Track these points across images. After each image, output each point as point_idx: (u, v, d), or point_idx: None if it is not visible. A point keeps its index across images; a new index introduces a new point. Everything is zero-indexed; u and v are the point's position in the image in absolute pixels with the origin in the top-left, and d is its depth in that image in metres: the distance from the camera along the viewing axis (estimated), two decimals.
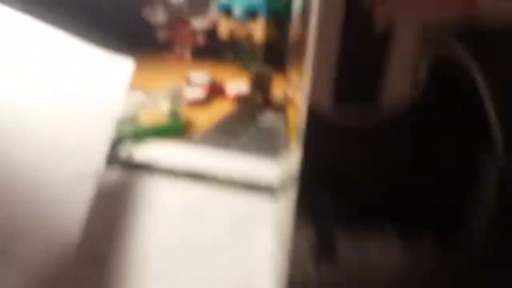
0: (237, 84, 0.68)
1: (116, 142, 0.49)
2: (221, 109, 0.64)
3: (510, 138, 0.19)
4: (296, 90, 0.23)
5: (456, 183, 0.20)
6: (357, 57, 0.17)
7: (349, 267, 0.22)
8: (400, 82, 0.17)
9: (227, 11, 0.74)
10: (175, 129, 0.55)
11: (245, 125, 0.40)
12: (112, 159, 0.46)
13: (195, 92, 0.65)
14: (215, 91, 0.68)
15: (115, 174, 0.44)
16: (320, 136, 0.19)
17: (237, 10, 0.71)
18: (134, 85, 0.61)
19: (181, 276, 0.31)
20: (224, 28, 0.77)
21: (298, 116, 0.20)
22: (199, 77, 0.70)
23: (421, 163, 0.19)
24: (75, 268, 0.31)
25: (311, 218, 0.21)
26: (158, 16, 0.86)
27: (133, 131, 0.51)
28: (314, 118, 0.18)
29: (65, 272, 0.30)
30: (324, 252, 0.22)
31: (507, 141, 0.18)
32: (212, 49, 0.83)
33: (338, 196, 0.21)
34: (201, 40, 0.84)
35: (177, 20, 0.85)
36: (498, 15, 0.16)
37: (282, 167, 0.31)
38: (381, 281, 0.23)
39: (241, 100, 0.65)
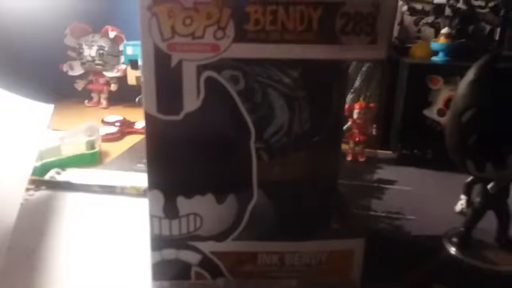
0: None
1: (42, 170, 0.61)
2: (132, 142, 0.78)
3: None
4: None
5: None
6: (164, 84, 0.33)
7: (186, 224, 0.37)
8: (190, 96, 0.33)
9: (134, 62, 0.89)
10: (92, 158, 0.69)
11: None
12: (40, 182, 0.58)
13: (109, 129, 0.79)
14: (126, 128, 0.82)
15: (42, 193, 0.57)
16: (156, 134, 0.34)
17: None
18: (57, 127, 0.74)
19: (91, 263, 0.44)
20: (132, 77, 0.92)
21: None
22: (113, 118, 0.84)
23: (215, 148, 0.35)
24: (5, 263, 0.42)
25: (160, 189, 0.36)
26: (76, 69, 1.00)
27: (57, 161, 0.64)
28: (149, 122, 0.33)
29: None
30: (169, 212, 0.36)
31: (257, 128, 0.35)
32: (123, 95, 0.98)
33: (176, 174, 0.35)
34: (114, 88, 0.99)
35: (93, 72, 0.99)
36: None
37: None
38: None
39: None
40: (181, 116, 0.34)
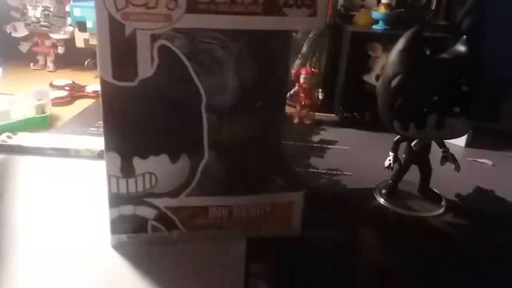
0: (96, 86, 0.83)
1: None
2: (83, 106, 0.79)
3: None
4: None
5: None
6: (119, 52, 0.35)
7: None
8: (145, 63, 0.36)
9: (82, 25, 0.88)
10: (43, 122, 0.69)
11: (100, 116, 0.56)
12: None
13: (59, 93, 0.79)
14: (76, 92, 0.82)
15: None
16: (111, 100, 0.36)
17: (90, 24, 0.86)
18: (3, 91, 0.73)
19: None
20: (80, 39, 0.91)
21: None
22: (62, 81, 0.84)
23: (168, 112, 0.38)
24: None
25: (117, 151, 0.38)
26: (20, 31, 0.96)
27: (6, 125, 0.64)
28: (105, 88, 0.35)
29: None
30: (126, 171, 0.39)
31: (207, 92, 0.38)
32: (71, 58, 0.96)
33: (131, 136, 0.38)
34: (61, 50, 0.97)
35: (38, 34, 0.96)
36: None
37: None
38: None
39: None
40: (136, 82, 0.36)
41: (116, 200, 0.40)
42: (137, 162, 0.39)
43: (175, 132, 0.40)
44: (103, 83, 0.36)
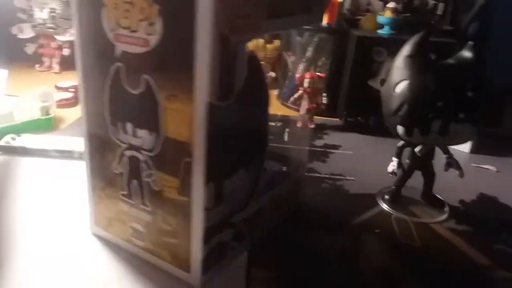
0: None
1: None
2: None
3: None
4: None
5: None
6: (222, 69, 0.30)
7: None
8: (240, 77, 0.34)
9: None
10: (47, 124, 0.69)
11: None
12: None
13: (63, 95, 0.79)
14: None
15: None
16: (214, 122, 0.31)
17: None
18: (9, 92, 0.73)
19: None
20: None
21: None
22: (67, 83, 0.84)
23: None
24: None
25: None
26: (26, 32, 0.96)
27: (11, 126, 0.64)
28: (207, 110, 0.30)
29: None
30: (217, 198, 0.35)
31: None
32: None
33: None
34: (66, 52, 0.97)
35: (44, 35, 0.97)
36: None
37: None
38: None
39: None
40: (232, 99, 0.35)
41: (208, 234, 0.36)
42: (225, 184, 0.37)
43: (250, 142, 0.39)
44: (208, 106, 0.32)
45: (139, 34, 0.33)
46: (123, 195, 0.39)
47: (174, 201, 0.35)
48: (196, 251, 0.36)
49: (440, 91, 0.45)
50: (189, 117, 0.32)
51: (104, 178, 0.39)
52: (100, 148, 0.38)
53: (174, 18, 0.31)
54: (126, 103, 0.35)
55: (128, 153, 0.37)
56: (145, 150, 0.36)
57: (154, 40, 0.32)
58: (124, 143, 0.37)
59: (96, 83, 0.36)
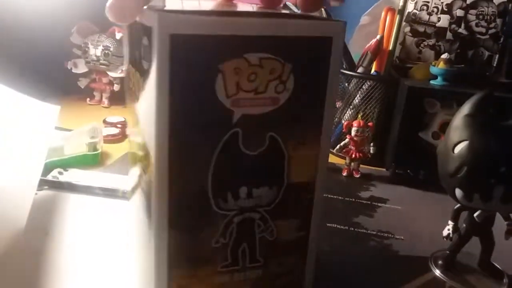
0: None
1: (45, 170, 0.63)
2: None
3: None
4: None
5: None
6: None
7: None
8: None
9: None
10: (94, 159, 0.70)
11: None
12: (43, 182, 0.60)
13: (111, 131, 0.80)
14: (127, 129, 0.84)
15: (45, 193, 0.58)
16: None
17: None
18: (62, 124, 0.75)
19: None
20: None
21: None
22: (114, 118, 0.86)
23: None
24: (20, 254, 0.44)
25: None
26: (80, 67, 1.01)
27: (59, 161, 0.66)
28: None
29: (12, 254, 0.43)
30: None
31: None
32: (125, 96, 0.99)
33: None
34: (116, 88, 1.00)
35: (96, 71, 1.01)
36: None
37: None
38: None
39: None
40: None
41: None
42: None
43: None
44: None
45: (267, 94, 0.31)
46: (222, 266, 0.35)
47: (291, 241, 0.36)
48: (309, 280, 0.38)
49: (502, 154, 0.42)
50: (315, 159, 0.34)
51: (191, 264, 0.35)
52: (194, 231, 0.34)
53: (304, 71, 0.32)
54: (241, 168, 0.33)
55: (237, 218, 0.34)
56: (262, 207, 0.34)
57: (284, 97, 0.32)
58: (234, 210, 0.34)
59: (197, 158, 0.32)
